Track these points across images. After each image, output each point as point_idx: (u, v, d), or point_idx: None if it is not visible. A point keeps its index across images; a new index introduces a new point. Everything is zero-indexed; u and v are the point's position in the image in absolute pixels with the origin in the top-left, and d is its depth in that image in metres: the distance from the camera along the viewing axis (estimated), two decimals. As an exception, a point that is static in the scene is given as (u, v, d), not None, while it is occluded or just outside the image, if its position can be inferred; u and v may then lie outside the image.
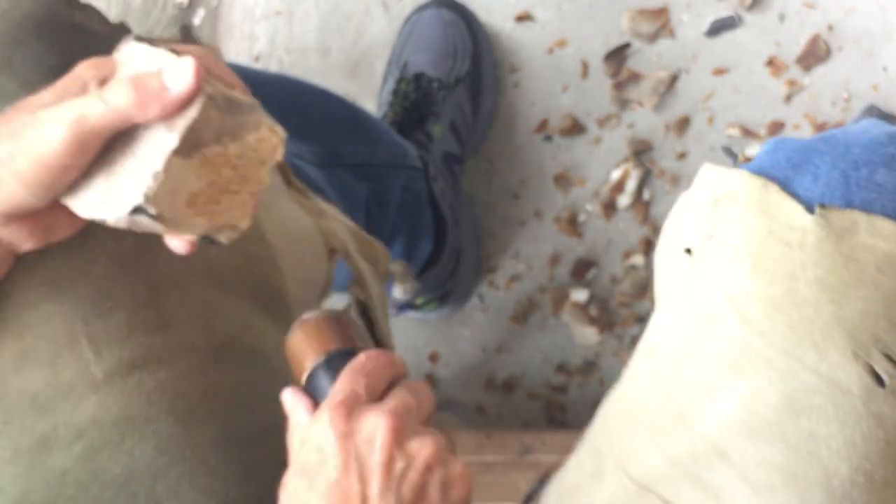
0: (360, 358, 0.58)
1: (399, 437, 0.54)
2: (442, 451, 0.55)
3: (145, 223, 0.52)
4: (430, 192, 0.99)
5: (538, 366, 1.15)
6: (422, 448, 0.54)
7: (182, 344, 0.62)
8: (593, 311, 1.12)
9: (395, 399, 0.56)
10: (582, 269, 1.12)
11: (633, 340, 1.12)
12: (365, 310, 0.81)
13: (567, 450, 0.63)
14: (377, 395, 0.57)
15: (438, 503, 0.53)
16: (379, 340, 0.81)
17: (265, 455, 0.64)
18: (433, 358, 1.16)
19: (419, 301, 1.08)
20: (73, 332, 0.59)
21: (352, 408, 0.55)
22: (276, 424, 0.64)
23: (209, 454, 0.61)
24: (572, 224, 1.11)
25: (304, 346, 0.60)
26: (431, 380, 1.17)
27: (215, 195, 0.54)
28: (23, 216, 0.52)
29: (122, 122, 0.50)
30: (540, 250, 1.13)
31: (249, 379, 0.64)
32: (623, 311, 1.12)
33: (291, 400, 0.58)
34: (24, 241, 0.54)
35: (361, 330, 0.64)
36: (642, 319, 1.12)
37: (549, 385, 1.15)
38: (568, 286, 1.12)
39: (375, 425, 0.54)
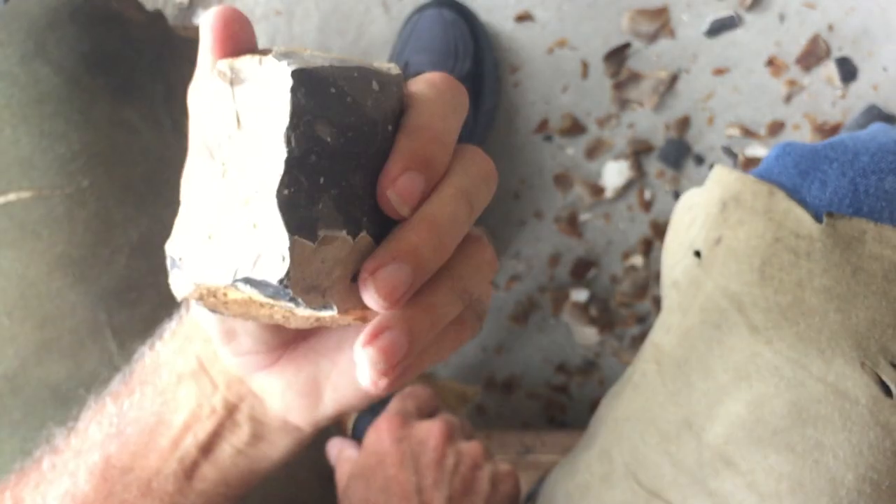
0: (407, 388, 0.64)
1: (449, 439, 0.60)
2: (489, 451, 0.61)
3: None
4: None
5: (538, 366, 1.15)
6: (470, 448, 0.60)
7: None
8: (593, 311, 1.12)
9: (442, 415, 0.62)
10: (582, 269, 1.12)
11: (633, 340, 1.12)
12: None
13: (567, 450, 0.63)
14: (424, 416, 0.63)
15: (488, 495, 0.60)
16: None
17: None
18: (433, 358, 1.16)
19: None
20: (96, 322, 0.59)
21: (405, 419, 0.60)
22: None
23: None
24: (572, 224, 1.11)
25: None
26: (431, 380, 1.17)
27: None
28: None
29: None
30: (540, 250, 1.12)
31: None
32: (623, 311, 1.12)
33: (339, 443, 0.64)
34: None
35: None
36: (642, 319, 1.12)
37: (549, 385, 1.15)
38: (568, 286, 1.12)
39: (428, 429, 0.60)
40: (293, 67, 0.33)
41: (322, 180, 0.33)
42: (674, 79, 1.07)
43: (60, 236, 0.59)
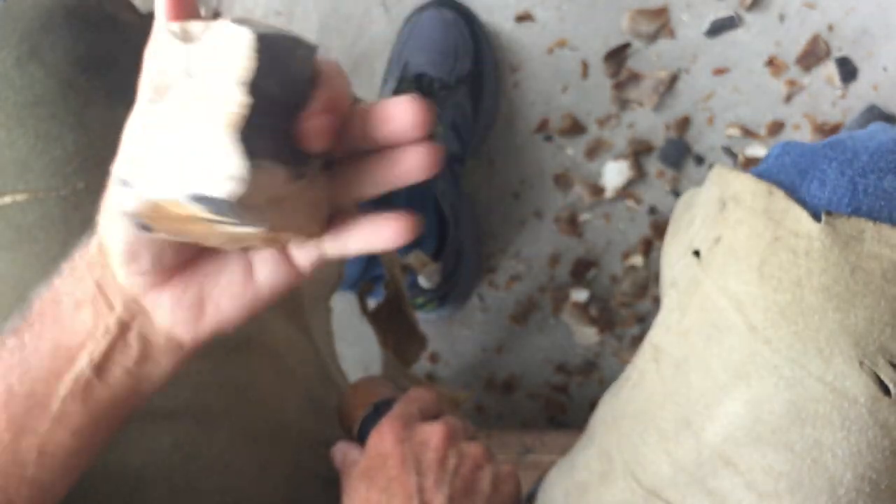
0: (412, 391, 0.65)
1: (451, 440, 0.61)
2: (490, 452, 0.62)
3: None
4: (433, 192, 0.99)
5: (538, 366, 1.15)
6: (472, 449, 0.61)
7: None
8: (593, 311, 1.12)
9: (445, 417, 0.63)
10: (582, 269, 1.12)
11: (633, 340, 1.12)
12: (399, 302, 0.83)
13: (567, 450, 0.63)
14: (428, 419, 0.63)
15: (489, 495, 0.60)
16: (413, 328, 0.86)
17: (278, 452, 0.64)
18: (433, 358, 1.16)
19: (419, 301, 1.08)
20: None
21: (407, 421, 0.62)
22: (289, 422, 0.66)
23: (224, 450, 0.62)
24: (572, 224, 1.11)
25: (353, 403, 0.69)
26: (431, 379, 1.17)
27: None
28: None
29: None
30: (540, 250, 1.12)
31: (263, 376, 0.64)
32: (623, 311, 1.12)
33: (344, 447, 0.65)
34: None
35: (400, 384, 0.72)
36: (642, 319, 1.12)
37: (549, 385, 1.15)
38: (568, 286, 1.12)
39: (430, 431, 0.61)
40: (255, 32, 0.41)
41: (266, 122, 0.41)
42: (674, 79, 1.07)
43: (56, 238, 0.59)
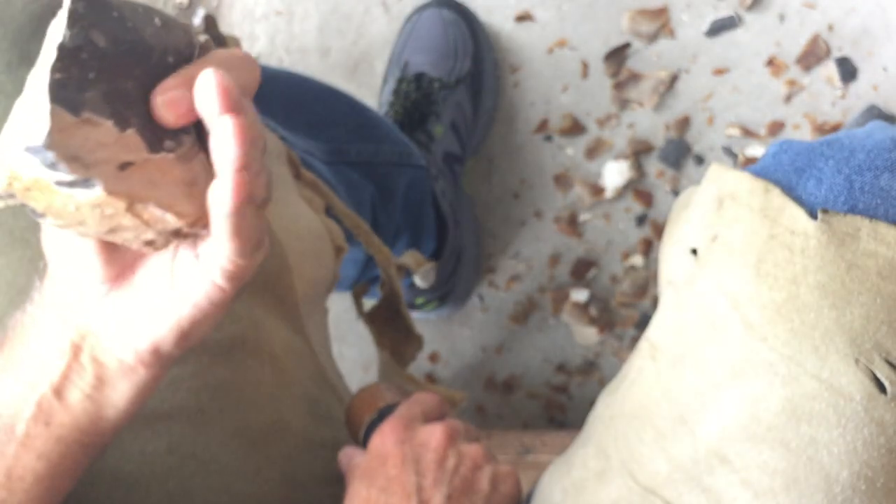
0: (416, 394, 0.66)
1: (451, 441, 0.61)
2: (490, 453, 0.62)
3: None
4: (432, 192, 0.99)
5: (538, 366, 1.15)
6: (471, 449, 0.61)
7: None
8: (593, 311, 1.12)
9: (447, 419, 0.63)
10: (582, 269, 1.12)
11: (633, 340, 1.12)
12: (395, 303, 0.83)
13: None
14: (431, 421, 0.64)
15: (488, 495, 0.60)
16: (409, 328, 0.86)
17: (274, 453, 0.64)
18: (433, 358, 1.16)
19: (419, 301, 1.08)
20: None
21: (409, 422, 0.62)
22: (284, 423, 0.66)
23: (220, 452, 0.62)
24: (572, 224, 1.11)
25: (359, 409, 0.68)
26: (431, 379, 1.17)
27: None
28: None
29: None
30: (540, 250, 1.13)
31: (258, 377, 0.64)
32: (623, 311, 1.12)
33: (350, 452, 0.65)
34: None
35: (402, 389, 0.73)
36: (642, 319, 1.12)
37: (549, 385, 1.15)
38: (568, 286, 1.12)
39: (430, 432, 0.61)
40: None
41: (92, 75, 0.40)
42: (674, 79, 1.08)
43: None
